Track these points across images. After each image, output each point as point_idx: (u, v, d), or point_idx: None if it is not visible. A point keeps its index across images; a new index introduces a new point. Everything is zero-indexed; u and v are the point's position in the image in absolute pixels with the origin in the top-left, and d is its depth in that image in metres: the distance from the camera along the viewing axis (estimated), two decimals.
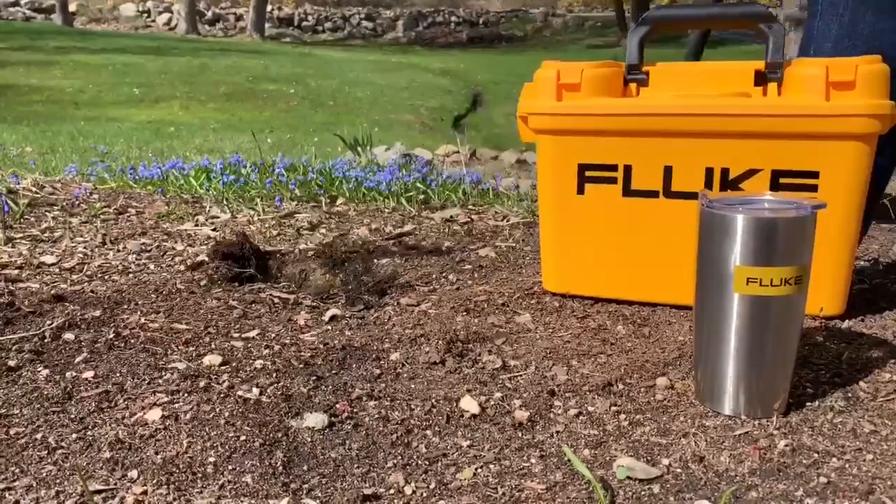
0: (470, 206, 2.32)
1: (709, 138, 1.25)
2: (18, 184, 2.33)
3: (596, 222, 1.35)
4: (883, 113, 1.15)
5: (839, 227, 1.22)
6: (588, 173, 1.33)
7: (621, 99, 1.34)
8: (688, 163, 1.27)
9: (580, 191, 1.34)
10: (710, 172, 1.26)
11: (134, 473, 0.84)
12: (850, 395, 1.03)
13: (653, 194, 1.30)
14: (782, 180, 1.23)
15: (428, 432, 0.94)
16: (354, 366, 1.13)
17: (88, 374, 1.08)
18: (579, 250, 1.38)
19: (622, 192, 1.32)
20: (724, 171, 1.25)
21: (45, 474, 0.84)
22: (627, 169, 1.30)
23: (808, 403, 1.00)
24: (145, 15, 20.82)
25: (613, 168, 1.31)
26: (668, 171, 1.28)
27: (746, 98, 1.25)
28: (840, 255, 1.23)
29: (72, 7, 19.81)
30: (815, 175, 1.21)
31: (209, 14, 21.23)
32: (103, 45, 13.47)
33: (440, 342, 1.19)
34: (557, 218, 1.38)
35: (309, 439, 0.92)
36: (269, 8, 20.73)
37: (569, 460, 0.87)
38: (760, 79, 1.26)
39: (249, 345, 1.20)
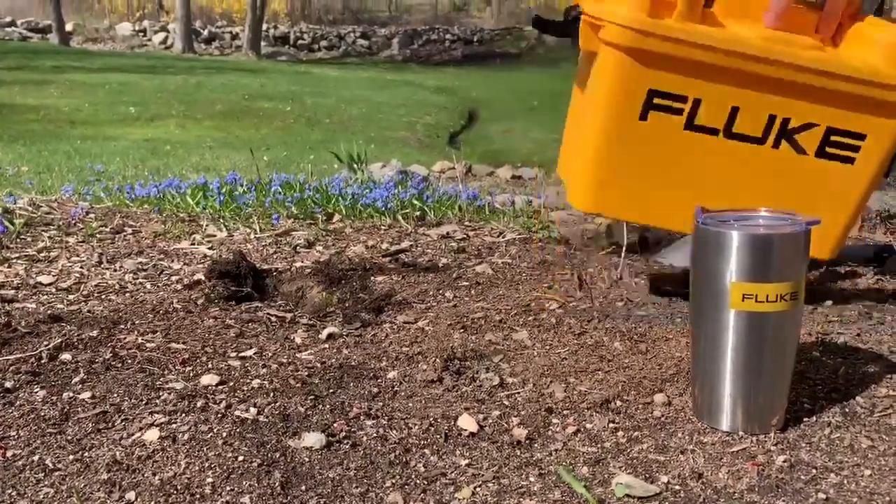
0: (466, 223, 2.33)
1: (778, 89, 1.27)
2: (15, 203, 2.33)
3: (652, 150, 1.33)
4: None
5: (865, 185, 1.29)
6: (656, 100, 1.31)
7: (724, 30, 1.29)
8: (754, 107, 1.28)
9: (643, 117, 1.32)
10: (772, 120, 1.28)
11: (132, 495, 0.84)
12: (847, 410, 1.03)
13: (713, 132, 1.30)
14: (832, 138, 1.28)
15: (426, 451, 0.94)
16: (352, 384, 1.13)
17: (86, 395, 1.07)
18: (627, 175, 1.35)
19: (684, 125, 1.31)
20: (785, 121, 1.28)
21: (42, 497, 0.84)
22: (696, 103, 1.29)
23: (805, 419, 1.01)
24: (141, 34, 20.90)
25: (683, 99, 1.30)
26: (733, 112, 1.29)
27: (822, 52, 1.27)
28: (854, 209, 1.32)
29: (68, 27, 19.88)
30: (861, 137, 1.27)
31: (205, 33, 21.33)
32: (100, 64, 13.51)
33: (437, 360, 1.19)
34: (612, 138, 1.34)
35: (307, 459, 0.92)
36: (264, 27, 20.83)
37: (566, 481, 0.87)
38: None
39: (247, 364, 1.20)
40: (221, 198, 2.54)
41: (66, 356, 1.21)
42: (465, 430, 0.99)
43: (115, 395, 1.08)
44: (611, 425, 1.00)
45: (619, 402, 1.06)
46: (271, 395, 1.09)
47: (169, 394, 1.08)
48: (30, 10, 21.64)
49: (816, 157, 1.28)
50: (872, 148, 1.26)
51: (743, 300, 0.94)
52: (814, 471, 0.88)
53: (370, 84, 13.29)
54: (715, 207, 1.21)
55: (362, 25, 23.33)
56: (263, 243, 2.01)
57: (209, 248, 1.94)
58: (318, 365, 1.20)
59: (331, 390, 1.11)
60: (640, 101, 1.31)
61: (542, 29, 1.44)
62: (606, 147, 1.36)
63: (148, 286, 1.62)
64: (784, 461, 0.90)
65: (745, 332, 0.96)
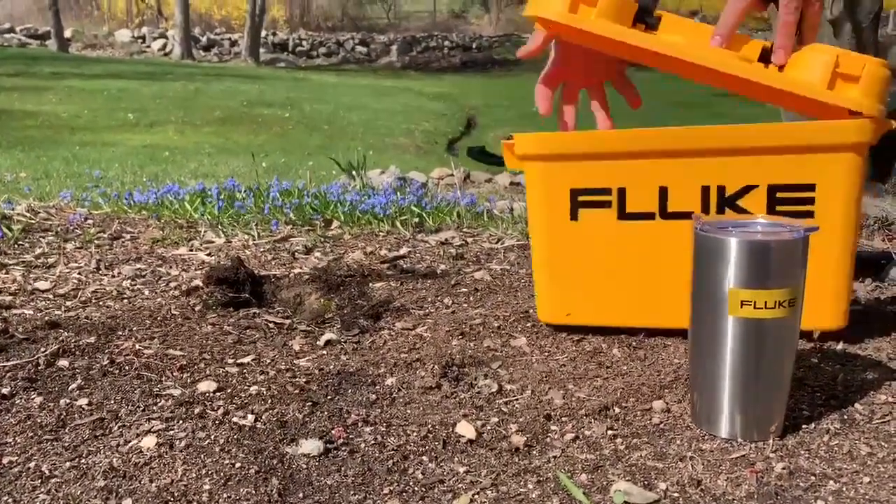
0: (464, 229, 2.33)
1: (699, 155, 1.24)
2: (13, 209, 2.33)
3: (592, 248, 1.32)
4: (878, 118, 1.16)
5: (839, 240, 1.21)
6: (581, 198, 1.31)
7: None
8: (682, 183, 1.26)
9: (573, 217, 1.32)
10: (706, 192, 1.25)
11: (128, 502, 0.84)
12: (845, 417, 1.03)
13: (650, 216, 1.29)
14: (779, 194, 1.22)
15: (424, 458, 0.94)
16: (350, 391, 1.13)
17: (83, 402, 1.07)
18: (578, 279, 1.34)
19: (617, 216, 1.30)
20: (721, 189, 1.24)
21: None
22: (621, 191, 1.29)
23: (804, 426, 1.00)
24: (140, 41, 20.94)
25: (607, 192, 1.30)
26: (663, 192, 1.27)
27: (751, 67, 1.22)
28: (841, 268, 1.23)
29: (67, 33, 19.91)
30: (811, 188, 1.21)
31: (204, 40, 21.37)
32: (98, 70, 13.55)
33: (436, 366, 1.19)
34: (550, 245, 1.35)
35: (304, 466, 0.92)
36: (263, 33, 20.89)
37: (564, 486, 0.87)
38: (765, 56, 1.23)
39: (244, 371, 1.20)
40: (220, 204, 2.54)
41: (63, 362, 1.20)
42: (464, 436, 0.99)
43: (113, 401, 1.08)
44: (609, 432, 1.00)
45: (617, 409, 1.06)
46: (269, 401, 1.08)
47: (166, 400, 1.08)
48: (29, 17, 21.69)
49: None
50: (827, 197, 1.20)
51: (741, 306, 0.94)
52: (812, 478, 0.88)
53: (369, 91, 13.33)
54: (675, 291, 1.19)
55: (361, 32, 23.39)
56: (262, 249, 2.01)
57: (207, 255, 1.94)
58: (316, 371, 1.20)
59: (329, 397, 1.10)
60: (566, 203, 1.31)
61: (480, 160, 1.48)
62: (548, 254, 1.35)
63: (146, 292, 1.62)
64: (783, 468, 0.90)
65: (743, 338, 0.96)
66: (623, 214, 1.30)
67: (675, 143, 1.26)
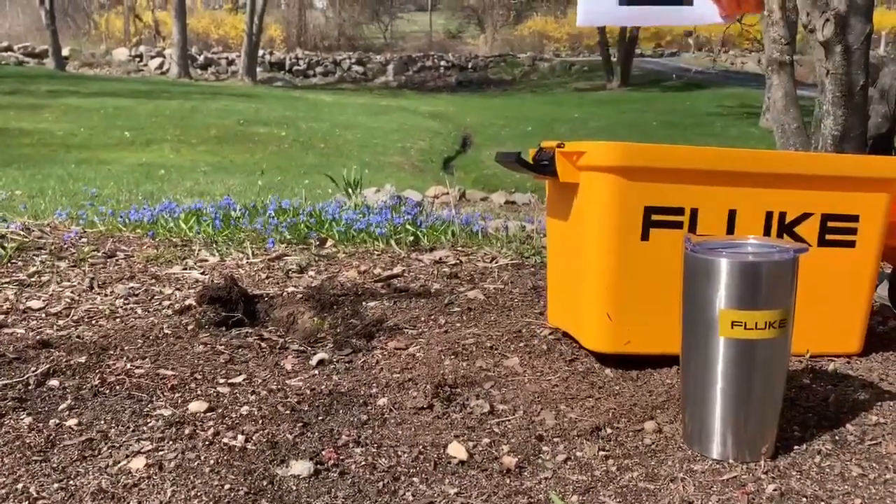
0: (459, 248, 2.33)
1: (769, 184, 1.28)
2: (7, 228, 2.32)
3: (660, 271, 1.25)
4: None
5: (872, 266, 1.29)
6: (654, 217, 1.26)
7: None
8: (750, 207, 1.28)
9: (645, 237, 1.26)
10: (769, 217, 1.29)
11: None
12: (837, 437, 1.03)
13: None
14: (830, 223, 1.29)
15: (415, 480, 0.93)
16: (341, 411, 1.12)
17: (72, 422, 1.07)
18: (641, 302, 1.27)
19: None
20: (782, 215, 1.29)
21: None
22: (694, 212, 1.27)
23: (795, 446, 1.00)
24: (138, 59, 21.02)
25: (680, 211, 1.26)
26: (731, 215, 1.28)
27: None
28: (869, 293, 1.31)
29: (65, 52, 19.98)
30: (855, 219, 1.29)
31: (201, 59, 21.47)
32: (95, 88, 13.57)
33: (428, 386, 1.19)
34: (618, 266, 1.27)
35: (294, 487, 0.91)
36: (260, 53, 20.99)
37: None
38: None
39: (236, 391, 1.19)
40: (218, 223, 2.54)
41: (53, 382, 1.20)
42: (455, 458, 0.98)
43: (102, 421, 1.07)
44: (601, 453, 1.00)
45: (609, 430, 1.06)
46: (260, 422, 1.08)
47: (156, 421, 1.08)
48: (27, 36, 21.78)
49: (819, 246, 1.28)
50: (867, 227, 1.29)
51: (732, 327, 0.94)
52: (804, 499, 0.88)
53: (365, 109, 13.37)
54: None
55: (357, 52, 23.53)
56: (256, 268, 2.01)
57: (201, 273, 1.94)
58: (308, 392, 1.19)
59: (320, 417, 1.10)
60: (638, 221, 1.25)
61: (515, 168, 1.38)
62: (613, 277, 1.27)
63: (139, 311, 1.61)
64: (774, 490, 0.90)
65: (734, 359, 0.96)
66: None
67: (747, 164, 1.28)
